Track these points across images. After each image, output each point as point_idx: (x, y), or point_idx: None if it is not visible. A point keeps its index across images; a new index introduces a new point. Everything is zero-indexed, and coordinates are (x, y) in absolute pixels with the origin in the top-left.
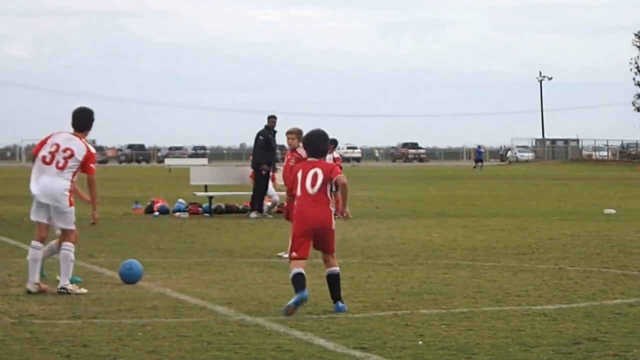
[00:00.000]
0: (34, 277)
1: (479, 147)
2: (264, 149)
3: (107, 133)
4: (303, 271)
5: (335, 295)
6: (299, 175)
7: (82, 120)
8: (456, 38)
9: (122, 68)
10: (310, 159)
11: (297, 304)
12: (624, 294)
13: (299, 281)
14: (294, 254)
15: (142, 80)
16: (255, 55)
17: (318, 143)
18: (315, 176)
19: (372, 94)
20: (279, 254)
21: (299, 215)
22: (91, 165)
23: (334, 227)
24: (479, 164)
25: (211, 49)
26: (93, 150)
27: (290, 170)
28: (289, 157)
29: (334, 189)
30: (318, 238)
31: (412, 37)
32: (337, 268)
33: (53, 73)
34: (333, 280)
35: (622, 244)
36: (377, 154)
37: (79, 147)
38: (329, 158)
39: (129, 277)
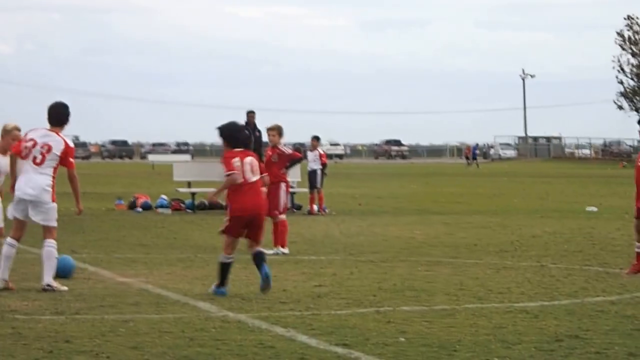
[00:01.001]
0: (4, 274)
1: (476, 144)
2: None
3: (91, 129)
4: (232, 260)
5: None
6: (237, 161)
7: (59, 115)
8: (439, 36)
9: (105, 64)
10: (237, 150)
11: (216, 294)
12: (605, 291)
13: (225, 273)
14: (228, 232)
15: (126, 76)
16: (238, 52)
17: (233, 133)
18: (252, 164)
19: (355, 92)
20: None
21: (239, 203)
22: (70, 159)
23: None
24: (471, 160)
25: (194, 45)
26: (72, 145)
27: (270, 166)
28: (270, 153)
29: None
30: (252, 224)
31: (396, 35)
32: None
33: (36, 68)
34: (260, 258)
35: (604, 241)
36: (342, 149)
37: (57, 142)
38: (314, 154)
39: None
